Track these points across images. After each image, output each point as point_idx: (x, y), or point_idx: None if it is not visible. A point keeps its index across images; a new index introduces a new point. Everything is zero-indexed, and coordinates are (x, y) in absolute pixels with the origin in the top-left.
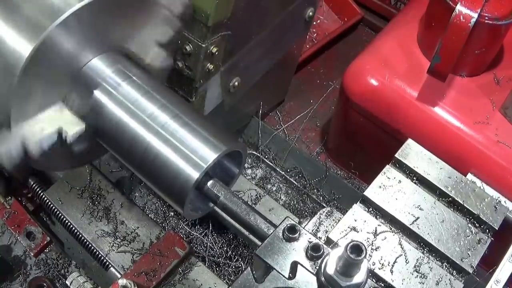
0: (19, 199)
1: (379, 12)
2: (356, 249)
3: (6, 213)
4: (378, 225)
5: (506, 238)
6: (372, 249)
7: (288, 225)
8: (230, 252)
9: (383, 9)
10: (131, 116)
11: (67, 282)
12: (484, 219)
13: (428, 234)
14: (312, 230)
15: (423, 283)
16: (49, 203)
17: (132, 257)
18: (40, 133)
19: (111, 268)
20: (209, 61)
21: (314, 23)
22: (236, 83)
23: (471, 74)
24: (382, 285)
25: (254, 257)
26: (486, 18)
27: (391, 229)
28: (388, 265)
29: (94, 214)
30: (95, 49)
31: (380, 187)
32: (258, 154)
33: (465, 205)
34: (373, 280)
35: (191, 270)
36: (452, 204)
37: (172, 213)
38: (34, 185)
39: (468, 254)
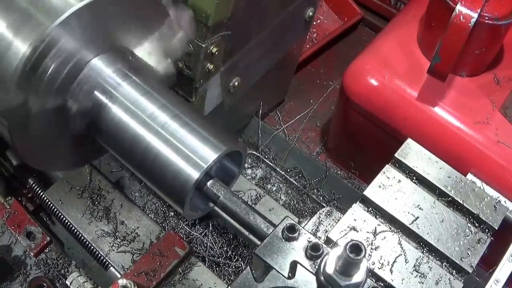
0: (19, 199)
1: (379, 12)
2: (356, 248)
3: (6, 213)
4: (378, 224)
5: (505, 238)
6: (371, 248)
7: (288, 225)
8: (230, 252)
9: (383, 9)
10: (131, 116)
11: (67, 282)
12: (483, 218)
13: (427, 233)
14: (312, 230)
15: (422, 283)
16: (49, 203)
17: (132, 257)
18: None
19: (111, 268)
20: (209, 61)
21: (314, 23)
22: (236, 83)
23: (471, 74)
24: (382, 284)
25: (253, 256)
26: (486, 18)
27: (390, 228)
28: (388, 264)
29: (94, 214)
30: (95, 49)
31: (379, 186)
32: (258, 154)
33: (464, 204)
34: (373, 279)
35: (191, 270)
36: (452, 203)
37: (172, 213)
38: (34, 185)
39: (468, 253)
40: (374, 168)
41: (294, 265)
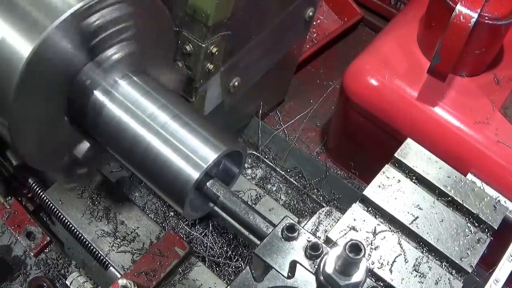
0: (19, 199)
1: (379, 12)
2: (355, 248)
3: (6, 213)
4: (378, 224)
5: (505, 238)
6: (371, 248)
7: (287, 224)
8: (230, 252)
9: (383, 9)
10: (131, 116)
11: (67, 282)
12: (483, 218)
13: (427, 233)
14: (312, 230)
15: (422, 283)
16: (49, 203)
17: (132, 257)
18: None
19: (111, 268)
20: (209, 61)
21: (314, 23)
22: (236, 83)
23: (471, 74)
24: (381, 284)
25: (253, 256)
26: (486, 18)
27: (390, 228)
28: (387, 264)
29: (94, 214)
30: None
31: (379, 186)
32: (258, 154)
33: (464, 204)
34: (372, 279)
35: (191, 270)
36: (452, 203)
37: (172, 213)
38: (34, 185)
39: (467, 253)
40: (374, 168)
41: (293, 264)
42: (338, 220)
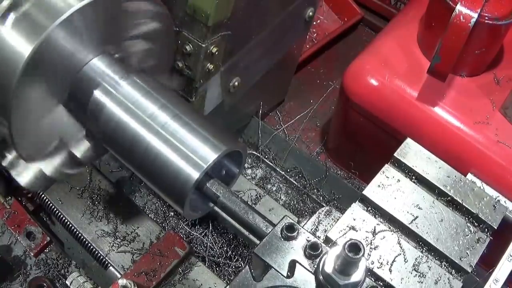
0: (19, 199)
1: (379, 12)
2: (354, 247)
3: (6, 213)
4: (377, 224)
5: (505, 238)
6: (370, 248)
7: (287, 224)
8: (230, 252)
9: (383, 9)
10: (131, 116)
11: (67, 282)
12: (483, 218)
13: (427, 233)
14: (311, 229)
15: (421, 282)
16: (49, 203)
17: (132, 257)
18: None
19: (111, 268)
20: (209, 61)
21: (314, 23)
22: (236, 83)
23: (471, 74)
24: (381, 284)
25: (252, 255)
26: (486, 18)
27: (390, 228)
28: (387, 264)
29: (94, 214)
30: (95, 49)
31: (379, 186)
32: (258, 154)
33: (464, 204)
34: (372, 279)
35: (191, 270)
36: (451, 203)
37: (172, 213)
38: None
39: (467, 253)
40: (374, 168)
41: (293, 264)
42: (337, 219)
